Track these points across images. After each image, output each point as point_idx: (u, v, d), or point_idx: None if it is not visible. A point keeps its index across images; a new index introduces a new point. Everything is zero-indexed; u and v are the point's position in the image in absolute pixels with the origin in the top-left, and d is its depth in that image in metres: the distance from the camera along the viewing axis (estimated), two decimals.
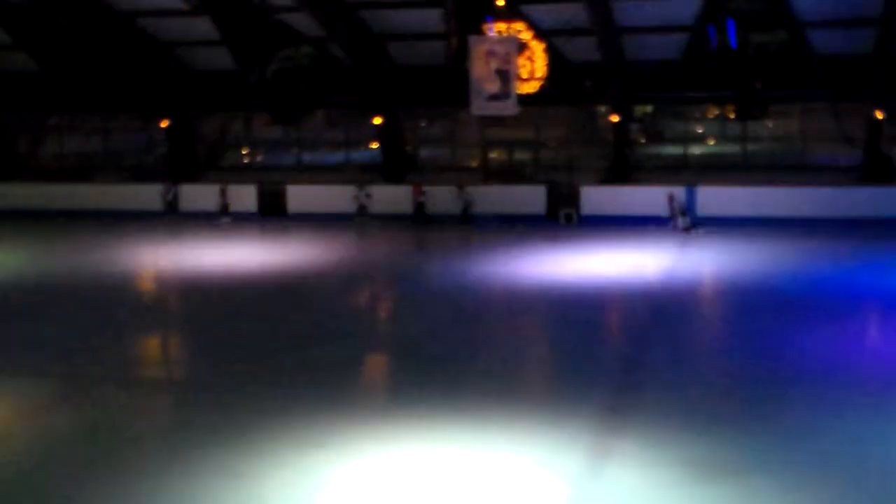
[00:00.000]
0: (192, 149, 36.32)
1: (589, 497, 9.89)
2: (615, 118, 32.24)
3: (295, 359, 15.03)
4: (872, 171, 29.74)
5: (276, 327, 17.33)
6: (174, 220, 31.96)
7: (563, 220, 29.73)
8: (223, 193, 32.16)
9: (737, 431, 11.63)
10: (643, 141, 34.90)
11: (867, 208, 27.83)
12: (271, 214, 32.29)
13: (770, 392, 13.19)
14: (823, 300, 18.90)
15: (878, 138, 30.07)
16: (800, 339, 16.00)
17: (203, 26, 32.52)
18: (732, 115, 33.85)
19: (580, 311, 18.64)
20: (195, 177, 34.80)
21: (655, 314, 18.37)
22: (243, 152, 38.82)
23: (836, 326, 16.80)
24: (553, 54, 32.09)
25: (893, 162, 29.83)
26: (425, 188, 30.87)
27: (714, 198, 28.05)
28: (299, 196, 32.58)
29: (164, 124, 35.49)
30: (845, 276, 21.11)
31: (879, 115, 29.74)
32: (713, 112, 35.81)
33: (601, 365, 14.94)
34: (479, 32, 30.79)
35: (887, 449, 11.05)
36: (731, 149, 34.17)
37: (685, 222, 27.13)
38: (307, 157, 36.58)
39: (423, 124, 36.71)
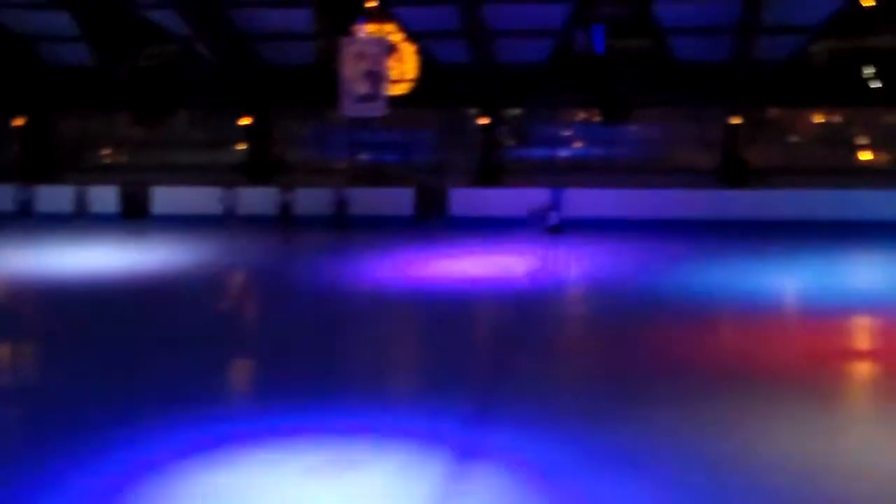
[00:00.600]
0: (50, 148, 35.03)
1: (457, 494, 9.89)
2: (484, 120, 32.52)
3: (156, 366, 14.59)
4: (729, 174, 30.78)
5: (136, 333, 16.81)
6: (28, 222, 30.73)
7: (432, 221, 29.79)
8: (81, 194, 31.11)
9: (605, 427, 11.83)
10: (512, 143, 35.27)
11: (724, 210, 28.83)
12: (134, 216, 31.40)
13: (636, 387, 13.48)
14: (684, 299, 19.42)
15: (734, 143, 31.15)
16: (662, 336, 16.42)
17: (62, 21, 31.42)
18: (598, 119, 34.51)
19: (448, 312, 18.70)
20: (52, 177, 33.57)
21: (523, 314, 18.55)
22: (105, 152, 37.62)
23: (695, 324, 17.32)
24: (424, 56, 32.18)
25: (747, 165, 30.94)
26: (294, 189, 30.50)
27: (580, 199, 28.53)
28: (164, 197, 31.79)
29: (18, 122, 34.12)
30: (704, 276, 21.73)
31: (736, 121, 30.82)
32: (580, 115, 36.45)
33: (470, 365, 14.97)
34: (350, 33, 30.63)
35: (739, 445, 11.40)
36: (597, 151, 34.85)
37: (552, 223, 27.49)
38: (172, 158, 35.70)
39: (293, 125, 36.27)
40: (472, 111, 33.69)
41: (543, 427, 11.85)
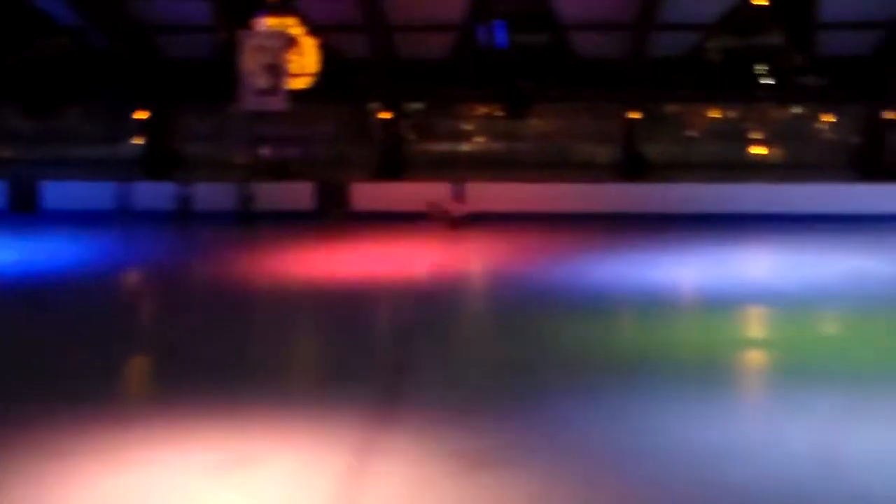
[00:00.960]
0: None
1: (356, 493, 9.82)
2: (386, 115, 32.43)
3: (46, 366, 14.16)
4: (628, 168, 31.29)
5: (24, 332, 16.29)
6: None
7: (334, 216, 29.59)
8: None
9: (504, 421, 11.90)
10: (414, 138, 35.25)
11: (623, 203, 29.28)
12: (23, 211, 30.46)
13: (536, 381, 13.59)
14: (584, 291, 19.66)
15: (632, 137, 31.66)
16: (563, 329, 16.59)
17: None
18: (501, 113, 34.75)
19: (348, 308, 18.59)
20: None
21: (424, 308, 18.56)
22: None
23: (594, 315, 17.56)
24: (326, 50, 31.93)
25: (646, 160, 31.49)
26: (193, 184, 29.99)
27: (483, 193, 28.68)
28: (55, 192, 30.89)
29: None
30: (604, 268, 22.03)
31: (634, 116, 31.35)
32: (482, 110, 36.64)
33: (370, 361, 14.90)
34: (250, 26, 30.20)
35: (637, 435, 11.59)
36: (500, 146, 35.06)
37: (454, 218, 27.58)
38: (65, 152, 34.72)
39: (192, 119, 35.64)
40: (375, 105, 33.57)
41: (444, 421, 11.87)
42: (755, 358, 15.90)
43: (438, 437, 11.29)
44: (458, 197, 27.85)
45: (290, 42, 30.23)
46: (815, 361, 14.71)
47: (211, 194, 29.72)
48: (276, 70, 28.71)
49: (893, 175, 30.16)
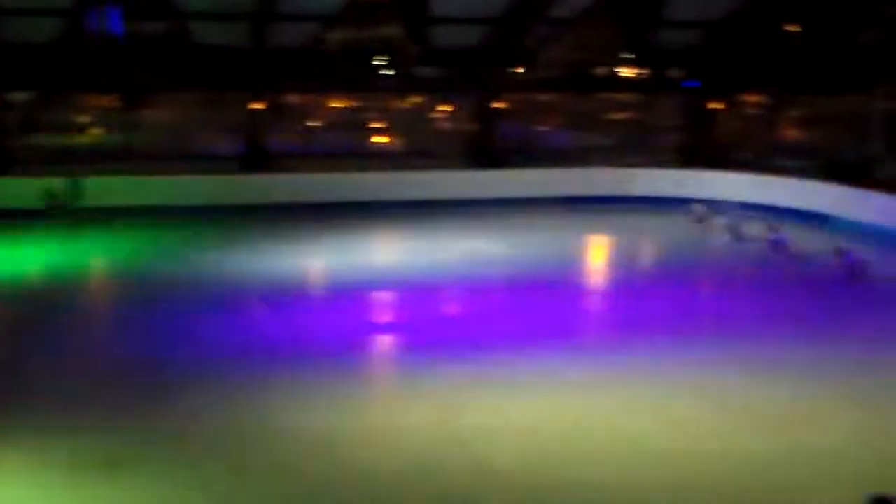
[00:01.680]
0: None
1: None
2: None
3: None
4: (250, 159, 30.98)
5: None
6: None
7: None
8: None
9: (125, 422, 11.47)
10: (21, 129, 32.69)
11: (246, 195, 28.95)
12: None
13: (161, 378, 13.19)
14: (211, 285, 19.29)
15: (254, 128, 31.39)
16: (189, 324, 16.18)
17: None
18: (117, 104, 33.15)
19: None
20: None
21: (36, 310, 17.35)
22: None
23: (221, 311, 17.27)
24: None
25: (268, 150, 31.32)
26: None
27: (100, 188, 27.18)
28: None
29: None
30: (229, 261, 21.71)
31: (256, 106, 31.15)
32: (98, 101, 34.81)
33: None
34: None
35: (266, 425, 11.53)
36: (117, 138, 33.45)
37: (72, 213, 25.97)
38: None
39: None
40: None
41: (58, 427, 11.21)
42: (383, 341, 16.35)
43: (51, 446, 10.69)
44: (75, 192, 26.21)
45: None
46: (439, 340, 15.42)
47: None
48: None
49: (501, 162, 32.24)
